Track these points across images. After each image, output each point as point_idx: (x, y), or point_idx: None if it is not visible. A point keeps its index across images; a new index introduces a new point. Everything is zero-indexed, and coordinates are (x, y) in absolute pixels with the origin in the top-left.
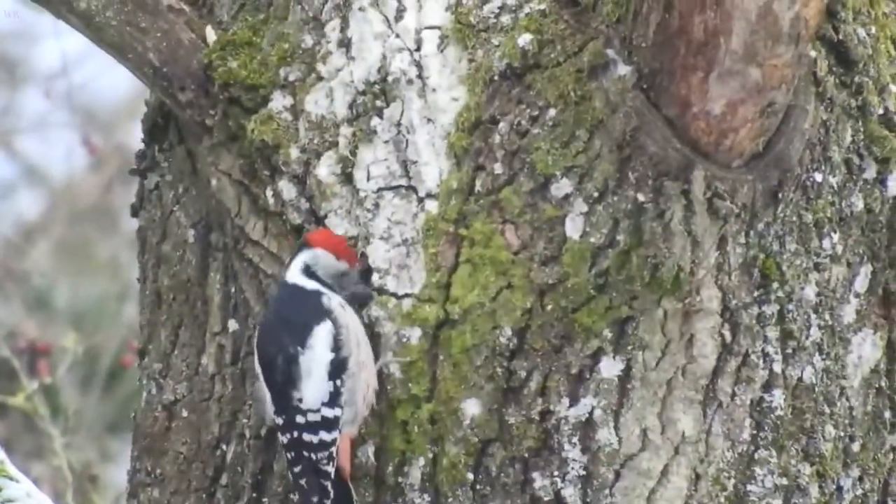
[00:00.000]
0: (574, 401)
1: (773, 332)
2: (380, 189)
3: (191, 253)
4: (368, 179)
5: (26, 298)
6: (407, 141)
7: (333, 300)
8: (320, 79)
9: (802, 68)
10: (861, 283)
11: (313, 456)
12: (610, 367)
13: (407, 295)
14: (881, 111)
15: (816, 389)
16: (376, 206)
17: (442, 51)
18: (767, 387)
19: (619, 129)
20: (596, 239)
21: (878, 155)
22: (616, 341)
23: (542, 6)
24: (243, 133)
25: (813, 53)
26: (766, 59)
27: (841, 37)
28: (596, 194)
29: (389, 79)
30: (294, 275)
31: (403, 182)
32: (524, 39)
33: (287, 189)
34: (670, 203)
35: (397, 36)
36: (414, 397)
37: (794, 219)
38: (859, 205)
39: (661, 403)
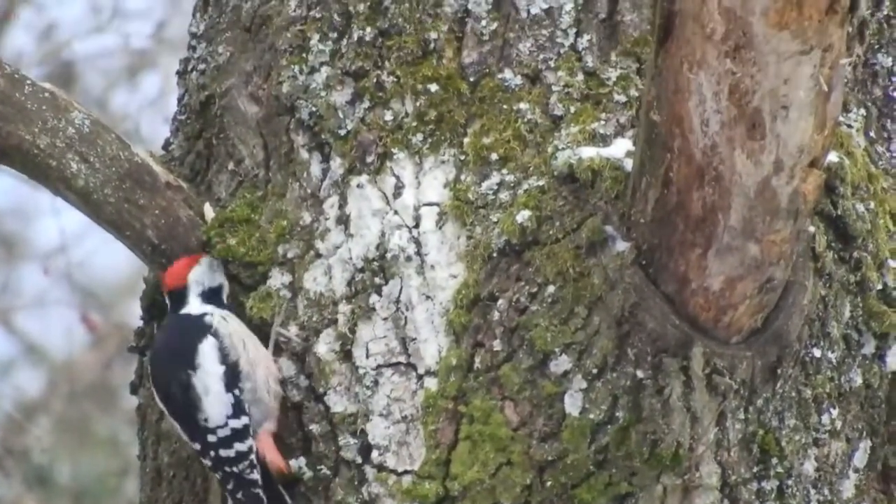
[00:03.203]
0: None
1: None
2: (379, 366)
3: None
4: (367, 357)
5: (27, 475)
6: (406, 318)
7: (215, 315)
8: (319, 256)
9: (801, 244)
10: (860, 459)
11: (235, 469)
12: None
13: (407, 472)
14: (880, 286)
15: None
16: (375, 383)
17: (440, 227)
18: None
19: (617, 306)
20: (595, 415)
21: (877, 330)
22: None
23: (541, 182)
24: (242, 310)
25: (812, 229)
26: (764, 235)
27: (840, 212)
28: (595, 371)
29: (388, 256)
30: (196, 307)
31: (402, 359)
32: (523, 216)
33: (286, 366)
34: (669, 379)
35: (396, 213)
36: None
37: (794, 394)
38: (858, 380)
39: None
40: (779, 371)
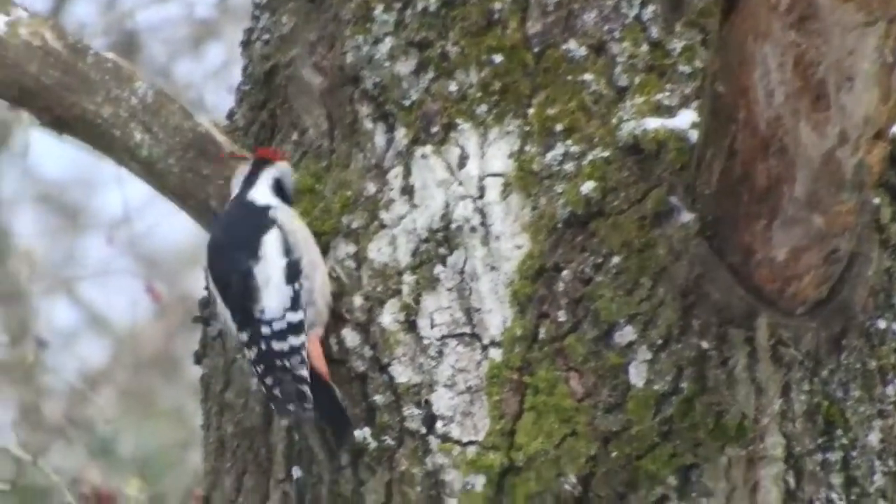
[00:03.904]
0: None
1: (837, 479)
2: (443, 337)
3: (254, 400)
4: (432, 327)
5: (90, 445)
6: (470, 289)
7: (280, 210)
8: (383, 226)
9: (865, 215)
10: None
11: (286, 363)
12: None
13: (471, 442)
14: None
15: None
16: (440, 353)
17: (505, 198)
18: None
19: (682, 277)
20: (660, 386)
21: None
22: (680, 488)
23: (606, 154)
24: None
25: (876, 200)
26: (829, 207)
27: None
28: (660, 342)
29: (452, 226)
30: (261, 192)
31: (467, 330)
32: (587, 187)
33: (350, 337)
34: (734, 350)
35: (460, 183)
36: None
37: (858, 366)
38: None
39: None
40: (843, 342)
